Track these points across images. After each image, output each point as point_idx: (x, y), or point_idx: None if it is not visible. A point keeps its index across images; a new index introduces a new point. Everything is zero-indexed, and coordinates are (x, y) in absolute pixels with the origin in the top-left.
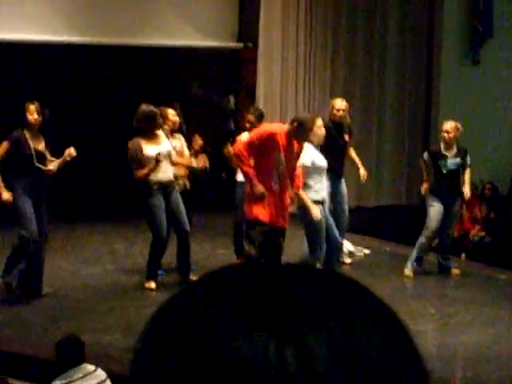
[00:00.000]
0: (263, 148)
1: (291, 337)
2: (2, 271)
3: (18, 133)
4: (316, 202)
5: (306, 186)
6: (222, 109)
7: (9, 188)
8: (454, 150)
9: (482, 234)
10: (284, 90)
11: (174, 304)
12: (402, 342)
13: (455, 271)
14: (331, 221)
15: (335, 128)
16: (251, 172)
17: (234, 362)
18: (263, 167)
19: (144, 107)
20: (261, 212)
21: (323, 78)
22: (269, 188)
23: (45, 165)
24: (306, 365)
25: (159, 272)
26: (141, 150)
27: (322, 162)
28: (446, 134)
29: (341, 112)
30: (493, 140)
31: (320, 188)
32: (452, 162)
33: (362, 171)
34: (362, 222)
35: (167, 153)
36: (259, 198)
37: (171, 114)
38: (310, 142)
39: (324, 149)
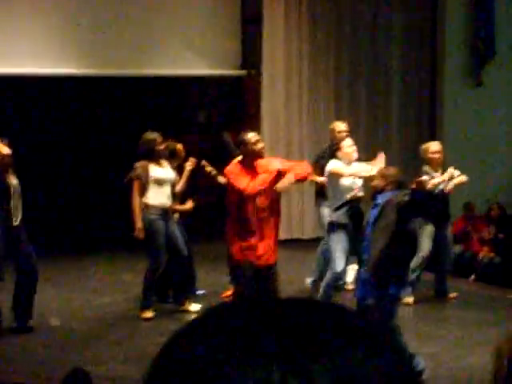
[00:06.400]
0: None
1: (295, 367)
2: None
3: None
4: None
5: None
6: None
7: None
8: (440, 171)
9: (491, 255)
10: (289, 118)
11: (179, 339)
12: (405, 372)
13: (452, 294)
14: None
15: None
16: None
17: None
18: (242, 214)
19: (146, 134)
20: (245, 253)
21: (327, 104)
22: (250, 232)
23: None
24: None
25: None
26: (147, 169)
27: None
28: (436, 155)
29: (343, 134)
30: (498, 161)
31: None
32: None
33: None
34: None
35: (172, 179)
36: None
37: (180, 149)
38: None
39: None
